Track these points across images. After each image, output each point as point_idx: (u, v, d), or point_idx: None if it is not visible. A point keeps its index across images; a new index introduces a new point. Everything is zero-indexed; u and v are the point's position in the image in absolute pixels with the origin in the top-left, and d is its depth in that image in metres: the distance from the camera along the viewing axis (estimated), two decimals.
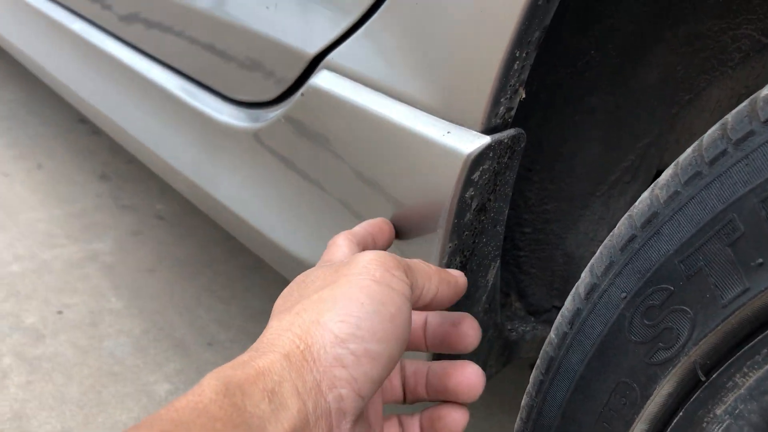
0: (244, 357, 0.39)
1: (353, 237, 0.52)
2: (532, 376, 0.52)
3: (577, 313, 0.47)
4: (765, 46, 0.60)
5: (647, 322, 0.43)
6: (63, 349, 1.17)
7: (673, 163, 0.42)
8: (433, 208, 0.53)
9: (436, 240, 0.54)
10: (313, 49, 0.64)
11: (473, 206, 0.53)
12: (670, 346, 0.42)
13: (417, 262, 0.47)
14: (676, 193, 0.41)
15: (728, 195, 0.38)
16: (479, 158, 0.50)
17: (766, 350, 0.39)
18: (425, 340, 0.53)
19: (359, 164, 0.60)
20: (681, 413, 0.43)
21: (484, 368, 0.53)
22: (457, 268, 0.55)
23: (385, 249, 0.56)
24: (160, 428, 0.33)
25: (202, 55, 0.83)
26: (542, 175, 0.64)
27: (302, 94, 0.65)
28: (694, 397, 0.42)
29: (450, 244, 0.54)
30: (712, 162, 0.39)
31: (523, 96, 0.50)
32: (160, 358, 1.17)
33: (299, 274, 0.48)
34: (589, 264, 0.47)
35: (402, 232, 0.58)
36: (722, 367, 0.40)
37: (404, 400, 0.54)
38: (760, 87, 0.41)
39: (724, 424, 0.40)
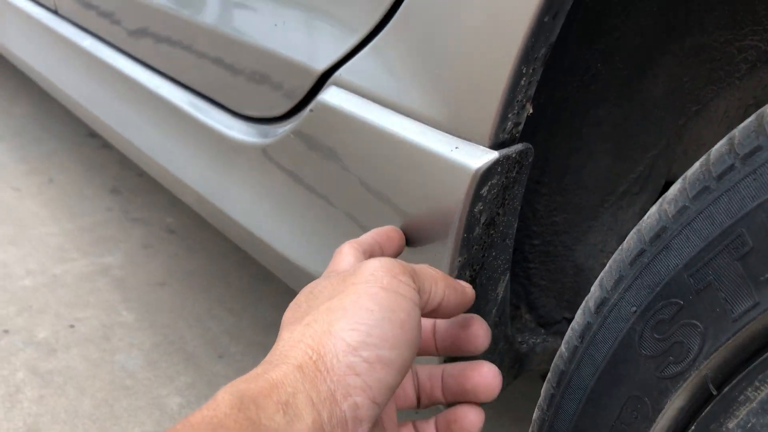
0: (257, 370, 0.39)
1: (359, 245, 0.52)
2: (543, 390, 0.52)
3: (587, 327, 0.47)
4: None
5: (657, 336, 0.43)
6: (75, 362, 1.18)
7: (680, 178, 0.42)
8: (442, 223, 0.53)
9: (446, 254, 0.54)
10: (321, 65, 0.64)
11: (482, 221, 0.53)
12: (680, 360, 0.42)
13: (423, 267, 0.47)
14: (684, 207, 0.41)
15: (737, 210, 0.38)
16: (487, 173, 0.50)
17: None
18: (435, 344, 0.53)
19: (368, 179, 0.60)
20: (693, 427, 0.43)
21: None
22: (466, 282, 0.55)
23: (394, 257, 0.56)
24: None
25: (211, 71, 0.84)
26: (551, 187, 0.64)
27: (311, 110, 0.65)
28: (706, 411, 0.42)
29: (459, 258, 0.54)
30: (720, 177, 0.39)
31: (531, 111, 0.50)
32: (172, 371, 1.18)
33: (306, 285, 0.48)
34: (598, 278, 0.47)
35: (411, 247, 0.58)
36: (734, 381, 0.40)
37: (418, 405, 0.54)
38: None
39: None
